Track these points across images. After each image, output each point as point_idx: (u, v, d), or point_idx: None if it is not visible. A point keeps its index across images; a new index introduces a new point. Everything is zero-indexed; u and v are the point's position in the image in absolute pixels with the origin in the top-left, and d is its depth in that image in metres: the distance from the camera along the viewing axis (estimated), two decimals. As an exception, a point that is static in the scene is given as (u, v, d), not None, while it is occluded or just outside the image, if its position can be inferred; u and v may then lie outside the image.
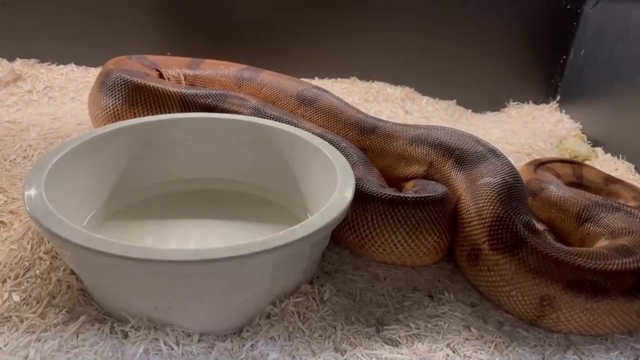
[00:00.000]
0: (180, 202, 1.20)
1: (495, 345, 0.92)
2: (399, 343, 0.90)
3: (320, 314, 0.94)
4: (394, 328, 0.93)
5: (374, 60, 1.98)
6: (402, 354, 0.87)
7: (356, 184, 1.07)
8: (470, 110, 2.02)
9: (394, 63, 1.98)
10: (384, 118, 1.77)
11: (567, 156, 1.69)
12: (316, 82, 1.94)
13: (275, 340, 0.88)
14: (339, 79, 1.98)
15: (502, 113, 2.03)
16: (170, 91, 1.32)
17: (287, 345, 0.88)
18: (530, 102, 2.04)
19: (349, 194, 0.95)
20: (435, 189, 1.10)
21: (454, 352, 0.89)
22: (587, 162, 1.67)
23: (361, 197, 1.06)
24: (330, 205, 0.91)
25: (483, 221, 1.01)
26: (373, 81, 1.99)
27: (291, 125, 1.25)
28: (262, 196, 1.23)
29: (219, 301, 0.86)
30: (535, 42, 1.98)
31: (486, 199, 1.04)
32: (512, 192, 1.06)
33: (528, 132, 1.83)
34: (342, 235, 1.10)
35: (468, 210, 1.06)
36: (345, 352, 0.88)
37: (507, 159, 1.16)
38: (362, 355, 0.87)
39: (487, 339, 0.93)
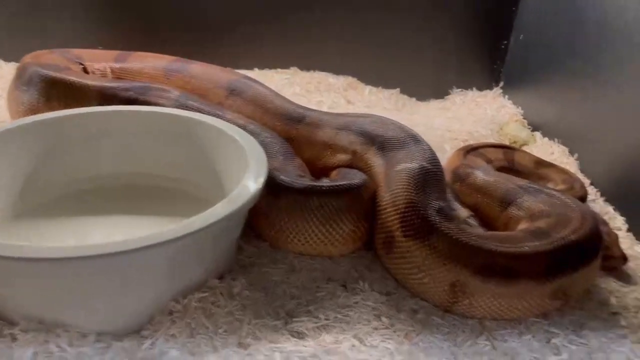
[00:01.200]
0: (96, 198, 1.16)
1: (406, 333, 0.90)
2: (305, 335, 0.88)
3: (228, 309, 0.91)
4: (303, 320, 0.91)
5: (315, 50, 1.95)
6: (306, 346, 0.85)
7: (271, 175, 1.04)
8: (414, 99, 1.99)
9: (336, 52, 1.95)
10: (325, 109, 1.75)
11: (506, 142, 1.68)
12: (256, 73, 1.90)
13: (176, 337, 0.85)
14: (279, 70, 1.94)
15: (446, 100, 2.01)
16: (87, 85, 1.28)
17: (189, 342, 0.85)
18: (474, 88, 2.03)
19: (255, 185, 0.92)
20: (352, 177, 1.08)
21: (360, 342, 0.87)
22: (525, 147, 1.67)
23: (275, 187, 1.03)
24: (233, 196, 0.88)
25: (396, 208, 1.00)
26: (314, 71, 1.95)
27: (213, 116, 1.22)
28: (182, 190, 1.20)
29: (113, 299, 0.83)
30: (478, 28, 1.97)
31: (400, 185, 1.02)
32: (428, 177, 1.04)
33: (470, 119, 1.82)
34: (258, 227, 1.08)
35: (384, 197, 1.04)
36: (249, 346, 0.85)
37: (426, 144, 1.14)
38: (265, 349, 0.84)
39: (398, 327, 0.91)
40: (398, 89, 2.00)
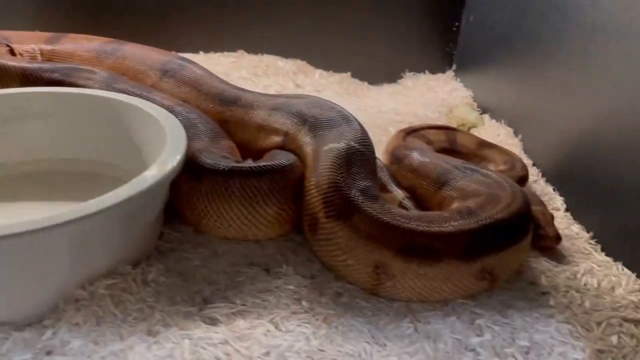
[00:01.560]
0: (10, 184, 1.11)
1: (325, 317, 0.87)
2: (218, 321, 0.84)
3: (140, 296, 0.87)
4: (218, 306, 0.87)
5: (264, 32, 1.90)
6: (217, 332, 0.81)
7: (193, 156, 1.00)
8: (366, 83, 1.96)
9: (285, 35, 1.91)
10: (272, 92, 1.71)
11: (455, 124, 1.66)
12: (201, 56, 1.85)
13: (80, 326, 0.81)
14: (225, 53, 1.88)
15: (398, 84, 1.99)
16: (8, 65, 1.22)
17: (94, 331, 0.80)
18: (427, 72, 2.00)
19: (160, 169, 0.87)
20: (279, 158, 1.04)
21: (276, 327, 0.84)
22: (473, 129, 1.66)
23: (196, 169, 0.99)
24: (137, 179, 0.84)
25: (320, 188, 0.96)
26: (262, 54, 1.91)
27: (140, 98, 1.17)
28: (103, 174, 1.15)
29: (11, 287, 0.78)
30: (430, 10, 1.94)
31: (325, 165, 0.99)
32: (356, 157, 1.01)
33: (420, 102, 1.79)
34: (181, 212, 1.04)
35: (310, 179, 1.00)
36: (158, 334, 0.81)
37: (358, 124, 1.10)
38: (174, 336, 0.80)
39: (318, 311, 0.88)
40: (349, 73, 1.96)
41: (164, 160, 0.90)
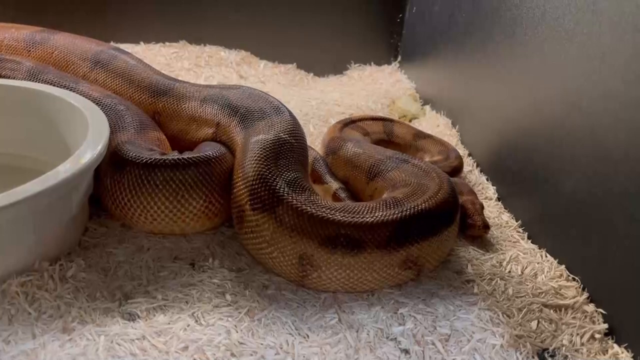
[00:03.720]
0: None
1: (248, 310, 0.86)
2: (138, 317, 0.82)
3: (57, 293, 0.84)
4: (139, 301, 0.85)
5: (206, 22, 1.87)
6: (135, 328, 0.80)
7: (117, 148, 0.98)
8: (312, 74, 1.96)
9: (228, 25, 1.88)
10: (215, 83, 1.68)
11: (396, 115, 1.68)
12: (142, 47, 1.81)
13: (-10, 325, 0.78)
14: (167, 43, 1.85)
15: (344, 76, 1.99)
16: None
17: (5, 330, 0.78)
18: (372, 63, 2.01)
19: (78, 161, 0.85)
20: (206, 150, 1.02)
21: (196, 321, 0.83)
22: (415, 120, 1.67)
23: (118, 161, 0.97)
24: (52, 172, 0.81)
25: (246, 180, 0.95)
26: (205, 45, 1.88)
27: (67, 89, 1.14)
28: (32, 168, 1.11)
29: None
30: (375, 1, 1.94)
31: (252, 156, 0.98)
32: (284, 149, 1.00)
33: (363, 94, 1.80)
34: (105, 205, 1.01)
35: (237, 170, 0.99)
36: (73, 331, 0.79)
37: (289, 115, 1.10)
38: (90, 333, 0.78)
39: (241, 304, 0.87)
40: (295, 64, 1.96)
41: (81, 154, 0.87)
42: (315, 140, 1.44)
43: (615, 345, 0.87)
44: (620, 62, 0.89)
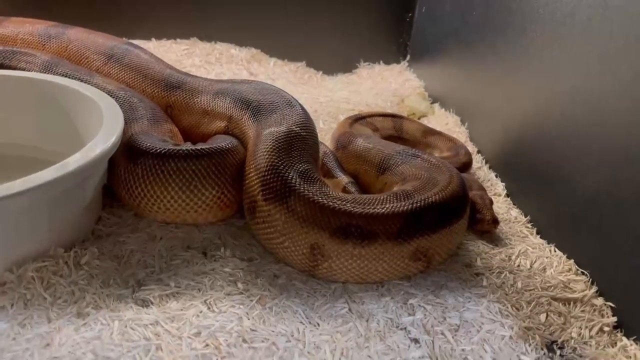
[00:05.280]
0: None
1: (259, 298, 0.87)
2: (151, 303, 0.84)
3: (72, 279, 0.86)
4: (152, 288, 0.86)
5: (217, 20, 1.89)
6: (148, 314, 0.81)
7: (131, 139, 1.00)
8: (321, 72, 1.97)
9: (239, 23, 1.90)
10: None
11: (405, 113, 1.68)
12: (153, 44, 1.82)
13: (7, 309, 0.79)
14: (178, 40, 1.87)
15: (353, 74, 2.00)
16: (-58, 47, 1.18)
17: (21, 313, 0.79)
18: (381, 62, 2.02)
19: (90, 152, 0.86)
20: (220, 142, 1.04)
21: (208, 308, 0.84)
22: (424, 118, 1.68)
23: (132, 152, 0.98)
24: (66, 161, 0.82)
25: (258, 171, 0.96)
26: (216, 42, 1.89)
27: (82, 81, 1.15)
28: (48, 160, 1.12)
29: None
30: (384, 0, 1.95)
31: (264, 148, 0.99)
32: (296, 141, 1.01)
33: (372, 92, 1.81)
34: (119, 195, 1.02)
35: (250, 162, 1.00)
36: (88, 316, 0.80)
37: (301, 109, 1.11)
38: (104, 318, 0.80)
39: (253, 292, 0.88)
40: (304, 62, 1.97)
41: (95, 144, 0.88)
42: (325, 135, 1.45)
43: (624, 338, 0.88)
44: (631, 60, 0.90)
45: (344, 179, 1.18)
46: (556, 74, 1.12)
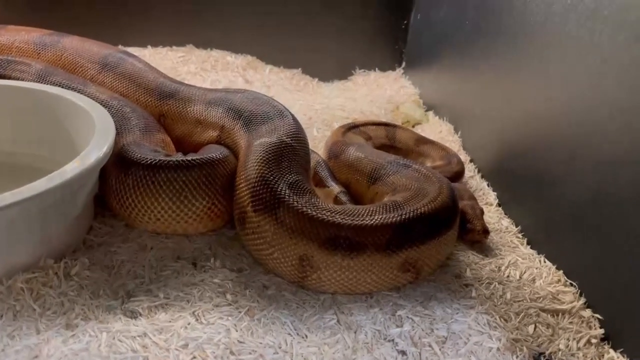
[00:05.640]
0: None
1: (248, 309, 0.88)
2: (140, 314, 0.84)
3: (62, 290, 0.86)
4: (141, 299, 0.87)
5: (213, 27, 1.89)
6: (137, 326, 0.81)
7: (122, 150, 1.00)
8: (316, 79, 1.97)
9: (235, 30, 1.91)
10: (220, 87, 1.70)
11: (399, 121, 1.69)
12: (149, 51, 1.83)
13: (-5, 321, 0.80)
14: (174, 47, 1.87)
15: (349, 81, 2.01)
16: None
17: (10, 325, 0.80)
18: (377, 69, 2.03)
19: (85, 161, 0.87)
20: (211, 152, 1.04)
21: (197, 320, 0.84)
22: (418, 126, 1.68)
23: (124, 162, 0.99)
24: (58, 172, 0.83)
25: (248, 182, 0.97)
26: (212, 49, 1.90)
27: (75, 91, 1.16)
28: (41, 167, 1.13)
29: None
30: (380, 7, 1.96)
31: (255, 159, 0.99)
32: (286, 152, 1.02)
33: (367, 99, 1.82)
34: (110, 205, 1.03)
35: (240, 173, 1.01)
36: (76, 327, 0.81)
37: (292, 119, 1.11)
38: (93, 329, 0.80)
39: (241, 304, 0.89)
40: (300, 69, 1.97)
41: (87, 154, 0.89)
42: (319, 144, 1.45)
43: (612, 351, 0.88)
44: (621, 69, 0.90)
45: (335, 188, 1.19)
46: (548, 82, 1.12)
